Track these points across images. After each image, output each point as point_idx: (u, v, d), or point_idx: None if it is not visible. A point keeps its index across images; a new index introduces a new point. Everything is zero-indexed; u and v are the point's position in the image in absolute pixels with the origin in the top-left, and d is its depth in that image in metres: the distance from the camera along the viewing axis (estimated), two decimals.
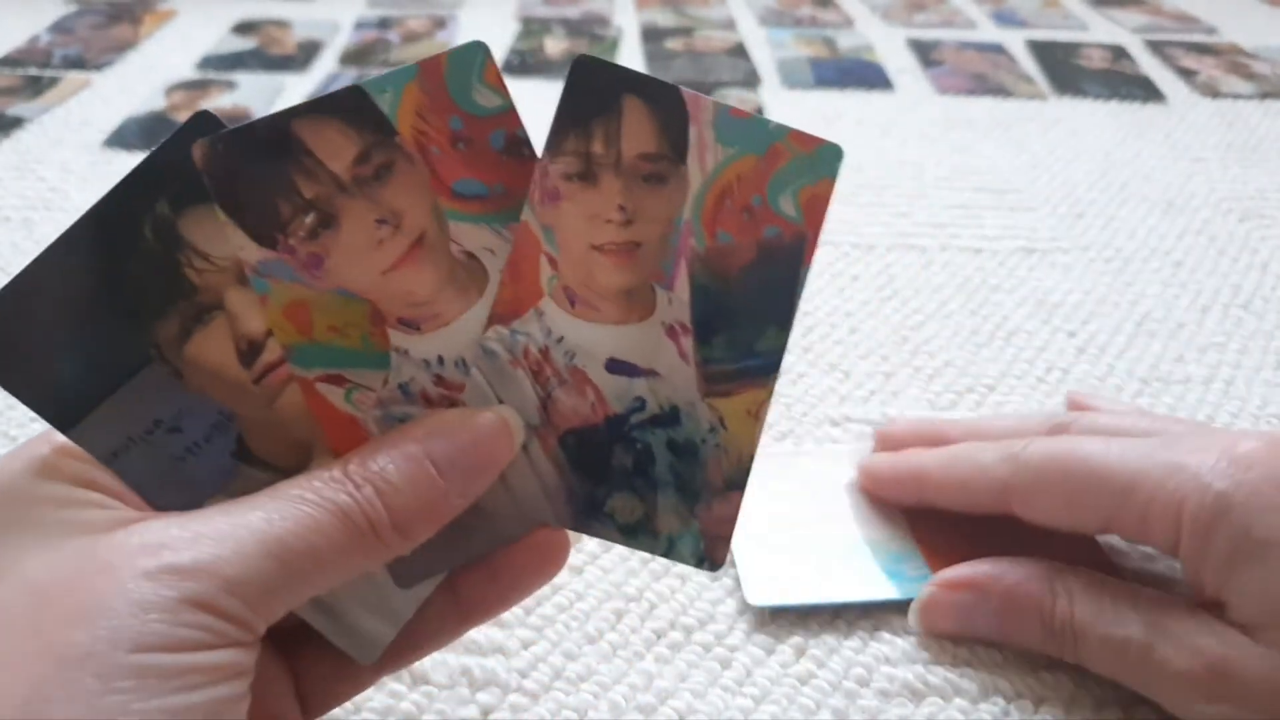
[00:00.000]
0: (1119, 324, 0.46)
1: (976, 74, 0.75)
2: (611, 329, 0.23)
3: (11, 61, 0.73)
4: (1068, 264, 0.51)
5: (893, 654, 0.30)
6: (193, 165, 0.21)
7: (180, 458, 0.21)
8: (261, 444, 0.22)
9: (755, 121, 0.23)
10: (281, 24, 0.82)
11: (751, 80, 0.73)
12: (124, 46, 0.77)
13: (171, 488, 0.21)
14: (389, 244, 0.22)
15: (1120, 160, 0.62)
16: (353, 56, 0.76)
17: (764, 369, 0.23)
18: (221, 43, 0.78)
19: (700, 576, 0.32)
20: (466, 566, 0.23)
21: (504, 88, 0.22)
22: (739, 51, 0.78)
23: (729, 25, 0.84)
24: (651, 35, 0.82)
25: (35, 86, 0.69)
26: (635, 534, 0.23)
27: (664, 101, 0.22)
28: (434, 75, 0.22)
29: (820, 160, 0.23)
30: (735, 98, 0.69)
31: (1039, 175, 0.60)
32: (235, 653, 0.18)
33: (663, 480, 0.23)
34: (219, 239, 0.21)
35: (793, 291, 0.23)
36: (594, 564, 0.33)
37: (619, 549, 0.33)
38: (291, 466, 0.22)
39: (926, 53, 0.78)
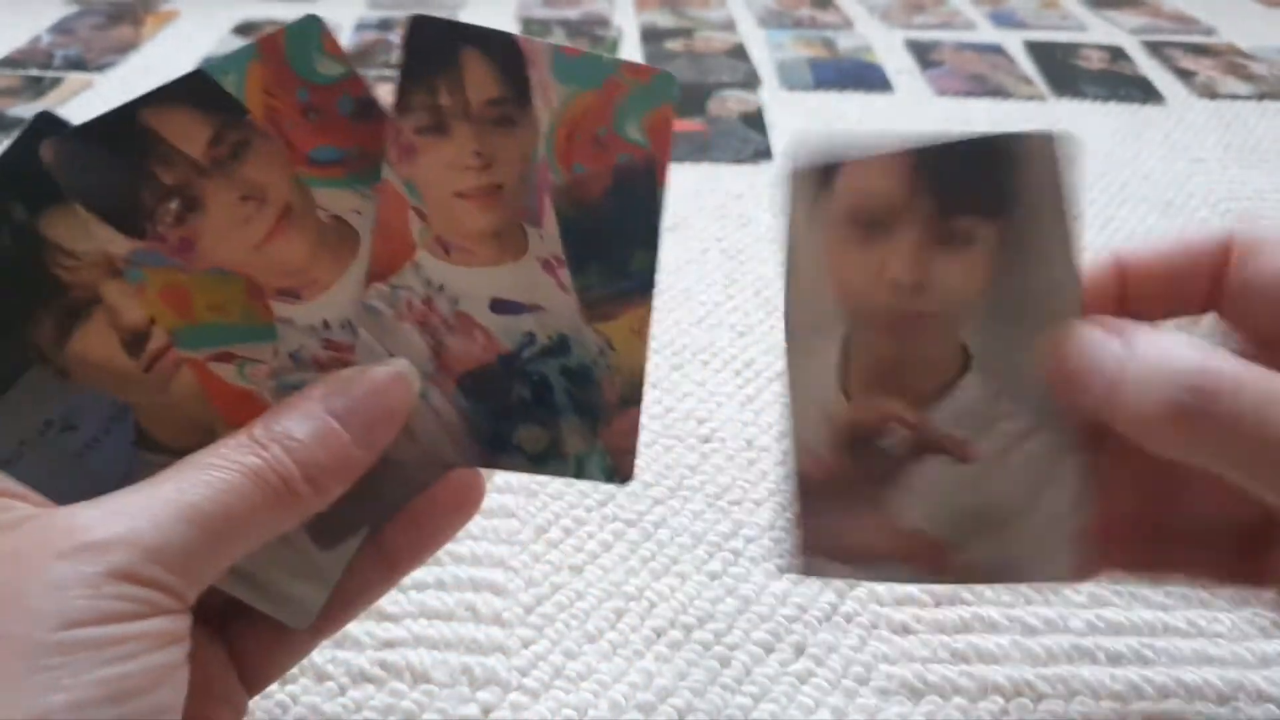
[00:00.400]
0: None
1: (975, 75, 0.75)
2: (489, 271, 0.24)
3: (12, 62, 0.74)
4: None
5: (891, 652, 0.30)
6: (43, 166, 0.21)
7: (80, 454, 0.22)
8: (162, 430, 0.22)
9: (588, 58, 0.24)
10: (282, 24, 0.82)
11: (751, 81, 0.73)
12: (125, 48, 0.77)
13: (75, 485, 0.21)
14: (256, 219, 0.22)
15: (1119, 161, 0.62)
16: (353, 58, 0.76)
17: (640, 288, 0.24)
18: (222, 44, 0.78)
19: (699, 577, 0.33)
20: (386, 520, 0.23)
21: (344, 55, 0.23)
22: (738, 53, 0.78)
23: (728, 26, 0.84)
24: (651, 36, 0.82)
25: (36, 87, 0.69)
26: (544, 461, 0.24)
27: (500, 49, 0.23)
28: (274, 52, 0.22)
29: (656, 88, 0.24)
30: (735, 98, 0.69)
31: None
32: (166, 620, 0.18)
33: (562, 406, 0.24)
34: (83, 235, 0.21)
35: (654, 212, 0.24)
36: (594, 563, 0.33)
37: (619, 548, 0.33)
38: (194, 447, 0.22)
39: (925, 54, 0.79)
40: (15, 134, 0.21)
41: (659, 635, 0.31)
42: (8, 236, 0.21)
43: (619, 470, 0.24)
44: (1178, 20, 0.87)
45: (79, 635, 0.16)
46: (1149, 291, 0.24)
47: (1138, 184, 0.59)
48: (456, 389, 0.24)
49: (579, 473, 0.24)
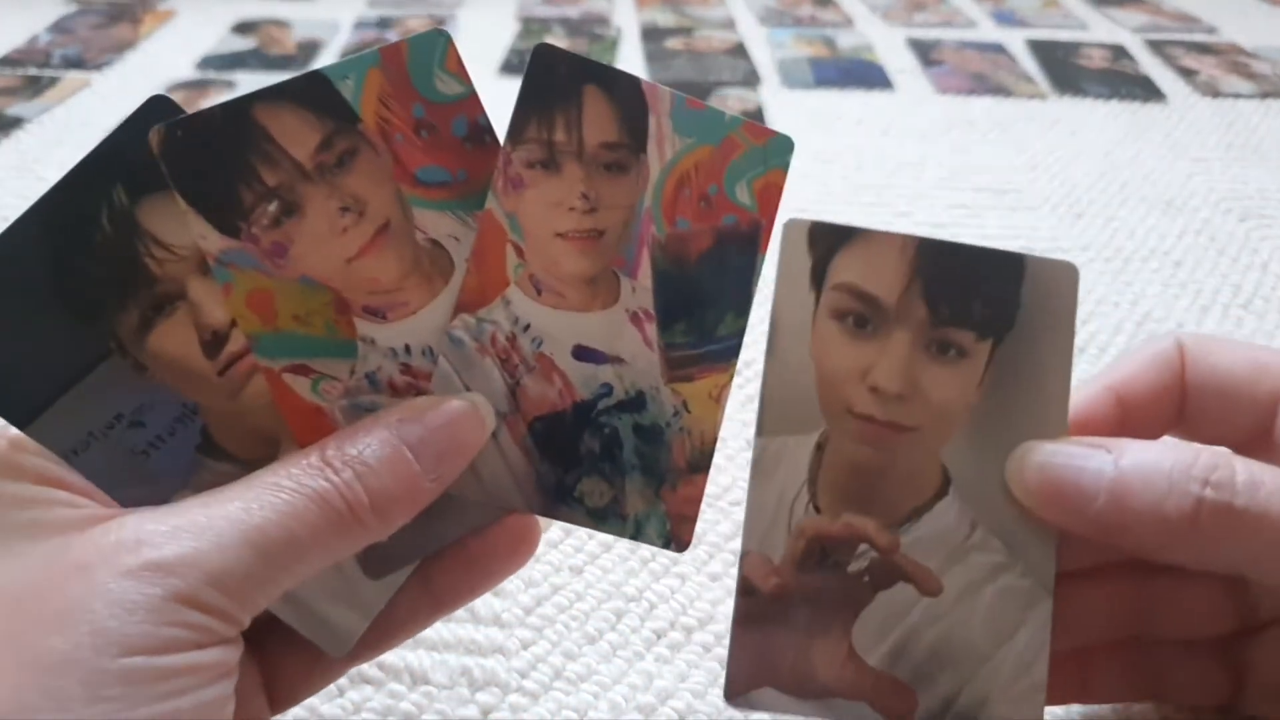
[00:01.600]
0: (1119, 324, 0.46)
1: (976, 74, 0.75)
2: (577, 316, 0.23)
3: (11, 61, 0.73)
4: None
5: None
6: (149, 152, 0.20)
7: (143, 452, 0.21)
8: (227, 436, 0.22)
9: (711, 113, 0.23)
10: (281, 24, 0.82)
11: (751, 80, 0.73)
12: (123, 46, 0.77)
13: (135, 483, 0.21)
14: (353, 231, 0.22)
15: (1120, 160, 0.62)
16: None
17: (724, 353, 0.24)
18: (221, 43, 0.78)
19: (700, 578, 0.32)
20: (437, 555, 0.23)
21: (466, 75, 0.22)
22: (739, 51, 0.78)
23: (729, 25, 0.84)
24: (651, 35, 0.82)
25: (35, 86, 0.69)
26: (604, 518, 0.23)
27: (624, 91, 0.22)
28: (396, 62, 0.22)
29: (772, 151, 0.24)
30: (735, 97, 0.69)
31: (1039, 175, 0.60)
32: (222, 651, 0.17)
33: (629, 464, 0.24)
34: (179, 227, 0.21)
35: (750, 278, 0.23)
36: (594, 564, 0.33)
37: (619, 549, 0.33)
38: (257, 459, 0.21)
39: (926, 52, 0.78)
40: (126, 116, 0.20)
41: (659, 637, 0.30)
42: (106, 220, 0.20)
43: (677, 537, 0.24)
44: (1180, 19, 0.87)
45: (139, 664, 0.16)
46: (1143, 418, 0.23)
47: (1139, 183, 0.59)
48: (527, 432, 0.23)
49: (637, 534, 0.24)
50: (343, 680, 0.28)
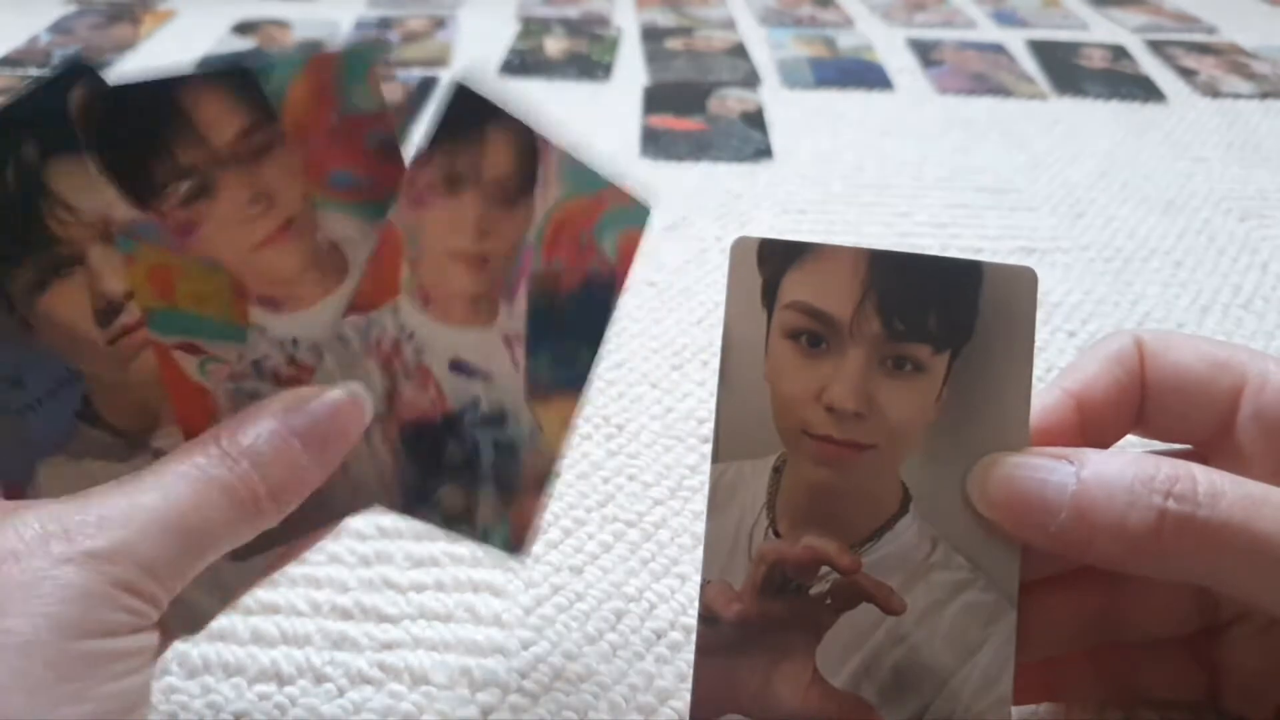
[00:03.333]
0: (1119, 324, 0.46)
1: (976, 74, 0.75)
2: (458, 330, 0.24)
3: (11, 61, 0.73)
4: (1068, 264, 0.51)
5: None
6: (67, 113, 0.20)
7: (19, 413, 0.21)
8: (107, 406, 0.22)
9: (591, 170, 0.25)
10: (281, 24, 0.82)
11: (751, 80, 0.73)
12: (123, 47, 0.77)
13: (7, 443, 0.21)
14: (260, 221, 0.22)
15: (1120, 160, 0.62)
16: None
17: (577, 381, 0.26)
18: (221, 43, 0.78)
19: (700, 578, 0.32)
20: (296, 541, 0.23)
21: (381, 93, 0.23)
22: (739, 51, 0.78)
23: (729, 25, 0.84)
24: (651, 35, 0.82)
25: None
26: (456, 523, 0.25)
27: (522, 137, 0.24)
28: (326, 67, 0.22)
29: (634, 213, 0.26)
30: (735, 97, 0.69)
31: (1039, 175, 0.60)
32: (150, 635, 0.18)
33: (486, 476, 0.25)
34: (87, 193, 0.21)
35: (606, 319, 0.26)
36: (594, 564, 0.33)
37: (619, 549, 0.33)
38: (134, 430, 0.22)
39: (926, 52, 0.78)
40: (49, 76, 0.20)
41: (659, 637, 0.30)
42: (12, 175, 0.20)
43: (519, 545, 0.25)
44: (1180, 19, 0.87)
45: (96, 648, 0.17)
46: (1102, 421, 0.23)
47: (1139, 183, 0.59)
48: (398, 435, 0.24)
49: (483, 539, 0.25)
50: (343, 681, 0.28)
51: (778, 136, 0.64)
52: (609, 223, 0.26)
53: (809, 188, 0.57)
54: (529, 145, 0.24)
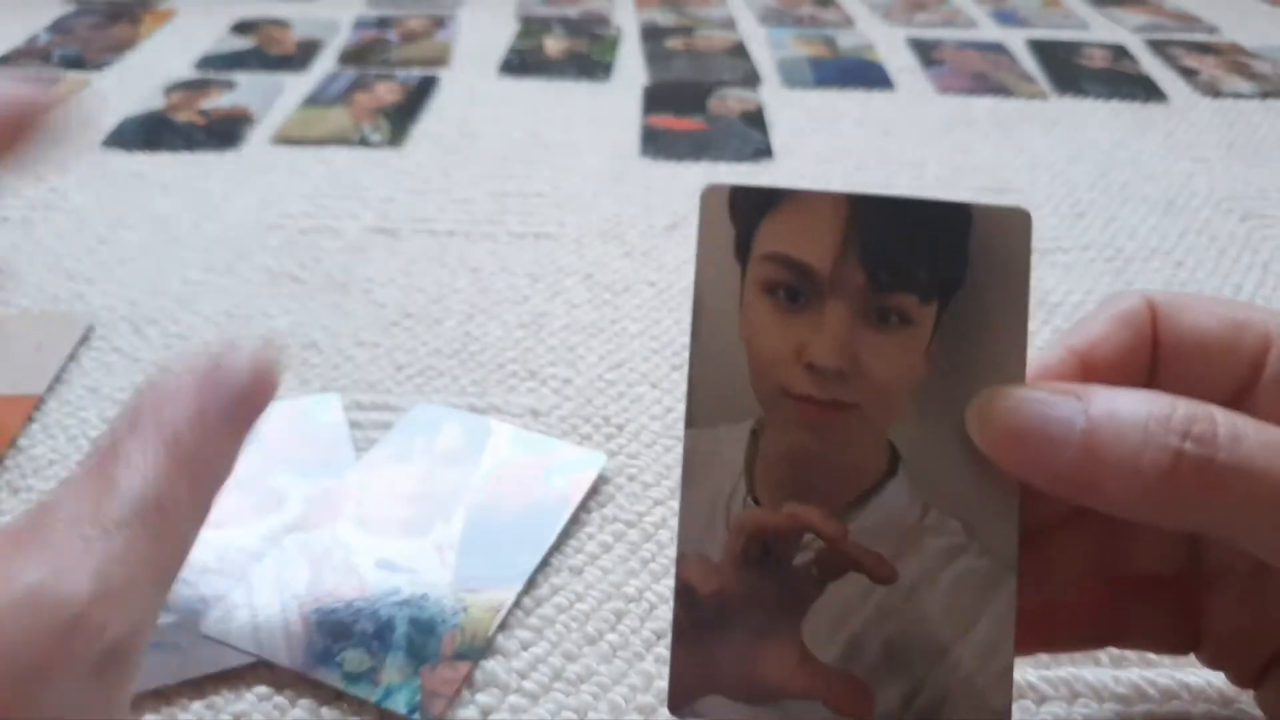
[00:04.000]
0: None
1: (977, 73, 0.74)
2: (388, 539, 0.28)
3: (10, 61, 0.73)
4: (1068, 264, 0.50)
5: None
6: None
7: None
8: None
9: (546, 439, 0.32)
10: (280, 23, 0.82)
11: (751, 80, 0.72)
12: (123, 46, 0.77)
13: None
14: None
15: (1121, 160, 0.62)
16: (352, 56, 0.76)
17: (515, 579, 0.28)
18: (220, 42, 0.78)
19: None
20: None
21: None
22: (739, 51, 0.78)
23: (729, 25, 0.84)
24: (651, 34, 0.81)
25: None
26: (356, 682, 0.26)
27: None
28: None
29: (588, 461, 0.33)
30: (735, 97, 0.69)
31: (1040, 175, 0.60)
32: None
33: (397, 645, 0.26)
34: None
35: (554, 530, 0.29)
36: (594, 565, 0.33)
37: (619, 549, 0.33)
38: None
39: (927, 52, 0.78)
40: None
41: (659, 638, 0.30)
42: None
43: (425, 709, 0.26)
44: (1181, 19, 0.87)
45: None
46: (1110, 382, 0.20)
47: (1139, 183, 0.59)
48: (314, 610, 0.26)
49: (382, 699, 0.26)
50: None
51: (778, 136, 0.63)
52: (559, 469, 0.28)
53: (810, 187, 0.57)
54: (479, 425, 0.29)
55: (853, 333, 0.19)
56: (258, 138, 0.62)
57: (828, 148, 0.62)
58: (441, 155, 0.61)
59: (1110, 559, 0.24)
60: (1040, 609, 0.24)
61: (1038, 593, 0.22)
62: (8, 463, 0.36)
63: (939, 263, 0.19)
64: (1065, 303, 0.47)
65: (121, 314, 0.45)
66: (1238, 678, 0.24)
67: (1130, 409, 0.18)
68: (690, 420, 0.20)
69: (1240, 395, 0.21)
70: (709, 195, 0.20)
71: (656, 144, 0.62)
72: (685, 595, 0.20)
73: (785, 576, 0.20)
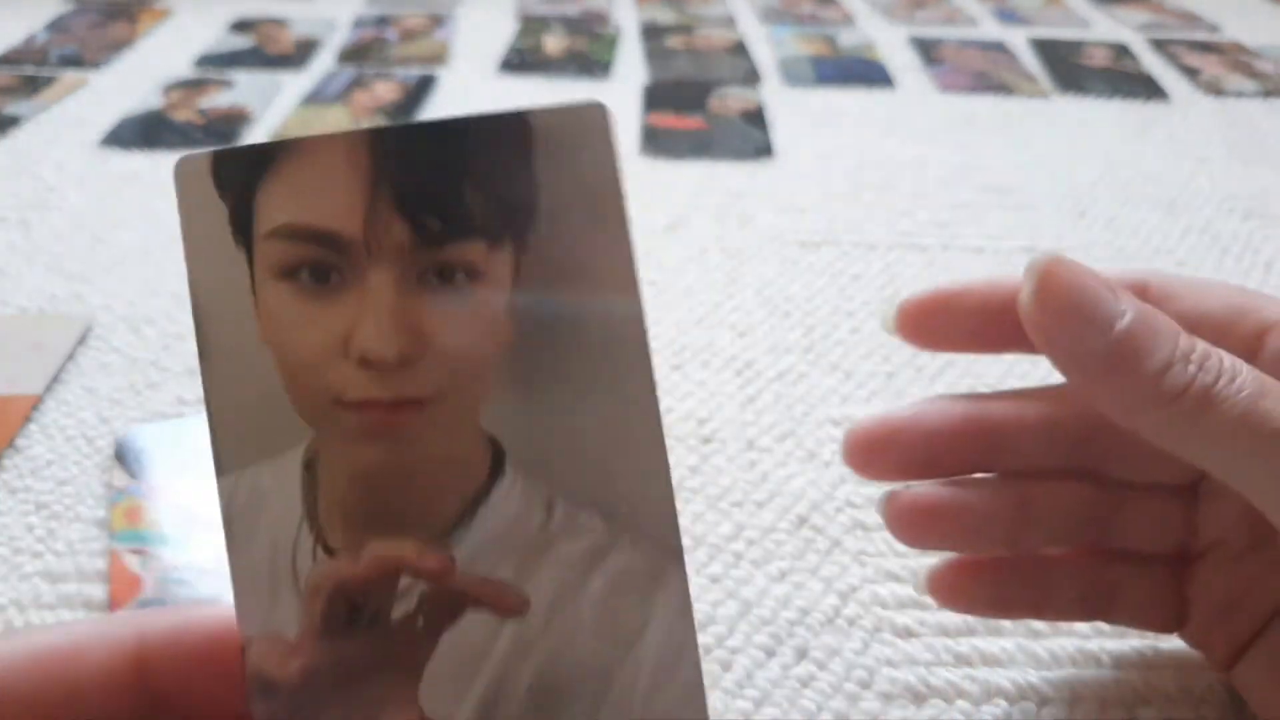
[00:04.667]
0: None
1: (978, 72, 0.74)
2: None
3: (8, 60, 0.73)
4: None
5: (895, 656, 0.30)
6: None
7: None
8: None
9: None
10: (279, 22, 0.81)
11: (752, 78, 0.72)
12: (121, 45, 0.76)
13: None
14: None
15: (1123, 159, 0.61)
16: (351, 54, 0.75)
17: None
18: (219, 41, 0.78)
19: (700, 579, 0.32)
20: None
21: None
22: (739, 49, 0.78)
23: (729, 23, 0.84)
24: (651, 33, 0.81)
25: (31, 85, 0.69)
26: None
27: None
28: None
29: None
30: (736, 96, 0.69)
31: (1041, 174, 0.59)
32: None
33: None
34: None
35: None
36: None
37: None
38: None
39: (928, 50, 0.78)
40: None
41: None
42: None
43: None
44: (1182, 17, 0.87)
45: None
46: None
47: (1140, 183, 0.59)
48: None
49: None
50: None
51: (779, 135, 0.63)
52: None
53: (810, 186, 0.57)
54: None
55: (408, 305, 0.15)
56: (256, 137, 0.62)
57: (828, 147, 0.62)
58: None
59: (1097, 528, 0.24)
60: (1034, 572, 0.24)
61: (1017, 542, 0.23)
62: (5, 463, 0.36)
63: (502, 193, 0.15)
64: None
65: (120, 314, 0.45)
66: (1218, 659, 0.25)
67: (1166, 325, 0.19)
68: (219, 467, 0.15)
69: None
70: (184, 169, 0.15)
71: (656, 143, 0.62)
72: (262, 689, 0.15)
73: (385, 635, 0.15)
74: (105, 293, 0.46)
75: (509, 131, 0.15)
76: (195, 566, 0.31)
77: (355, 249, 0.15)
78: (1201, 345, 0.20)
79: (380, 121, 0.64)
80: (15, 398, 0.39)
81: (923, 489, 0.23)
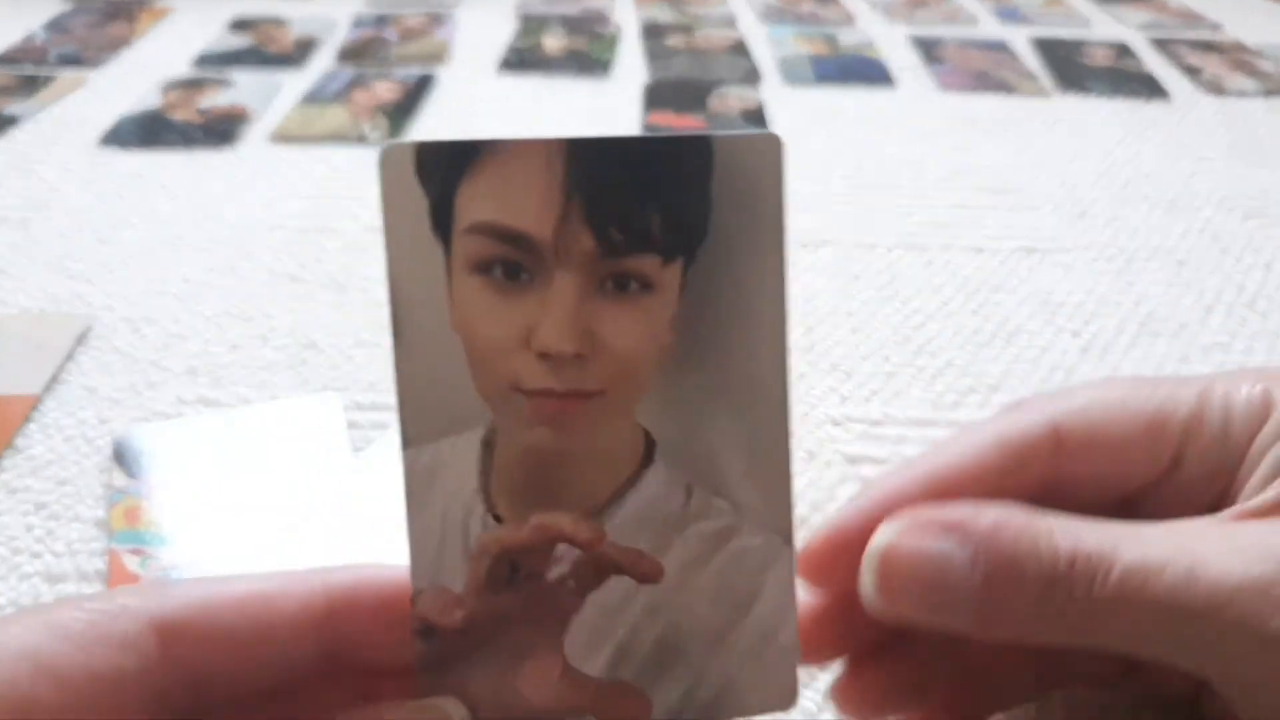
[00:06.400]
0: (1122, 324, 0.46)
1: (979, 71, 0.74)
2: (387, 540, 0.22)
3: (7, 60, 0.73)
4: (1070, 263, 0.50)
5: None
6: None
7: None
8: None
9: None
10: (278, 21, 0.81)
11: (752, 78, 0.72)
12: (120, 44, 0.76)
13: None
14: None
15: (1123, 158, 0.61)
16: (350, 54, 0.75)
17: None
18: (218, 40, 0.78)
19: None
20: None
21: None
22: (739, 49, 0.78)
23: (729, 22, 0.84)
24: (651, 32, 0.81)
25: (31, 85, 0.69)
26: None
27: None
28: None
29: None
30: (736, 95, 0.69)
31: (1041, 174, 0.59)
32: None
33: None
34: None
35: None
36: None
37: None
38: None
39: (929, 50, 0.78)
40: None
41: None
42: None
43: None
44: (1184, 16, 0.87)
45: None
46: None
47: (1142, 182, 0.58)
48: None
49: None
50: None
51: (779, 134, 0.63)
52: None
53: (810, 186, 0.57)
54: None
55: (587, 308, 0.17)
56: (256, 136, 0.62)
57: (829, 146, 0.62)
58: None
59: (1050, 673, 0.22)
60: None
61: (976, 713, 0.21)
62: (5, 463, 0.36)
63: (679, 212, 0.17)
64: (1067, 303, 0.47)
65: (120, 314, 0.45)
66: None
67: (1024, 540, 0.17)
68: (406, 439, 0.17)
69: (1156, 483, 0.20)
70: (389, 157, 0.16)
71: None
72: (425, 633, 0.17)
73: (539, 594, 0.17)
74: (105, 292, 0.46)
75: (692, 154, 0.17)
76: (194, 566, 0.31)
77: (545, 251, 0.16)
78: (1064, 546, 0.17)
79: (380, 120, 0.64)
80: (15, 398, 0.39)
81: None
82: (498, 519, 0.18)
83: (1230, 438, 0.19)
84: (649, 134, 0.17)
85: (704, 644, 0.18)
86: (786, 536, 0.18)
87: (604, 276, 0.17)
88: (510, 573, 0.18)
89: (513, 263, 0.17)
